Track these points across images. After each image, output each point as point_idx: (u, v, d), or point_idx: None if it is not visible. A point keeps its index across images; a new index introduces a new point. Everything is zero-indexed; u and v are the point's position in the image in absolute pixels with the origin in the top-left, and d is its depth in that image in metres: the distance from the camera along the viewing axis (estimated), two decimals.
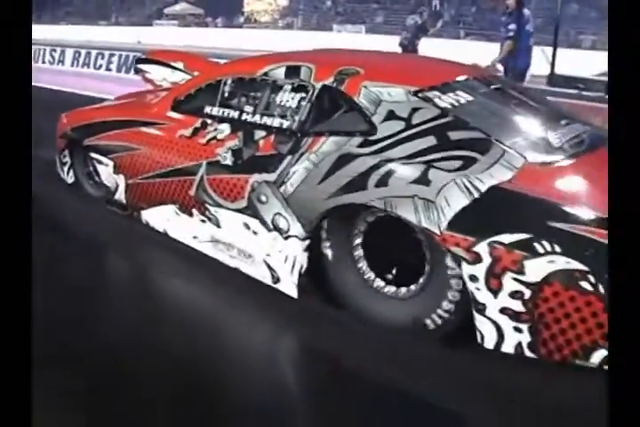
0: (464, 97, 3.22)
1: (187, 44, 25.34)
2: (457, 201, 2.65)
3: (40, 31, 34.20)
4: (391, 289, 3.09)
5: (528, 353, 2.59)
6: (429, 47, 11.72)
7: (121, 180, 4.42)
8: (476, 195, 2.64)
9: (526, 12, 7.99)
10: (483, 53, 18.11)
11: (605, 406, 1.60)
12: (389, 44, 16.48)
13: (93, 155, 4.73)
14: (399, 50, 11.58)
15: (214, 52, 12.40)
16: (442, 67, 4.00)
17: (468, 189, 2.66)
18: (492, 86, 3.63)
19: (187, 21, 38.39)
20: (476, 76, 3.66)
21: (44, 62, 16.97)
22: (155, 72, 5.28)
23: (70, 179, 5.21)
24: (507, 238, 2.51)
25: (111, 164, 4.49)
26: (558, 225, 2.48)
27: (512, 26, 7.69)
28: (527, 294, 2.49)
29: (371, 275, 3.16)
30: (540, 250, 2.45)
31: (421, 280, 2.95)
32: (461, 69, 3.79)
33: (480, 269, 2.56)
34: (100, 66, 15.12)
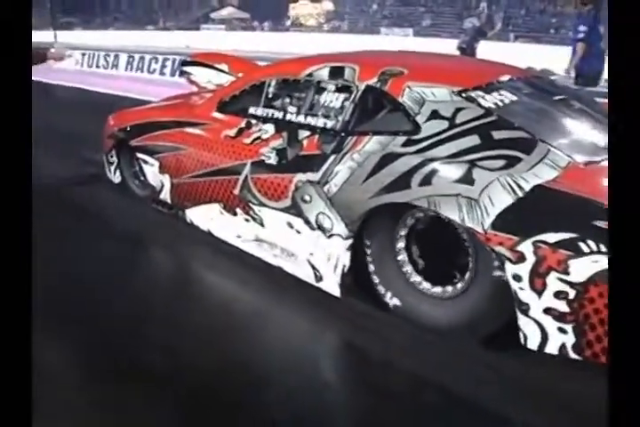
0: (508, 97, 3.20)
1: (234, 48, 25.57)
2: (501, 200, 2.63)
3: (89, 37, 34.99)
4: (435, 289, 3.08)
5: (572, 355, 2.54)
6: (480, 51, 11.64)
7: (166, 179, 4.49)
8: (520, 194, 2.61)
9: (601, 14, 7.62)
10: (533, 56, 17.93)
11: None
12: (438, 47, 16.43)
13: (140, 155, 4.82)
14: (456, 53, 11.42)
15: (263, 56, 12.51)
16: (485, 67, 3.99)
17: (512, 187, 2.63)
18: (537, 87, 3.61)
19: (233, 26, 38.73)
20: (520, 77, 3.62)
21: (98, 67, 17.23)
22: (200, 74, 5.36)
23: (117, 179, 5.32)
24: (551, 238, 2.48)
25: (157, 163, 4.57)
26: (604, 225, 2.43)
27: (582, 27, 7.32)
28: (572, 294, 2.45)
29: (413, 274, 3.15)
30: (586, 249, 2.41)
31: (465, 280, 2.93)
32: (505, 69, 3.75)
33: (524, 269, 2.53)
34: (154, 70, 15.28)
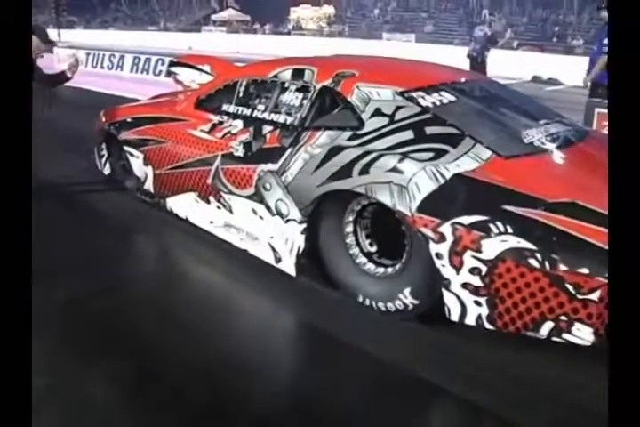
0: (447, 97, 3.57)
1: (237, 50, 25.89)
2: (425, 187, 3.00)
3: (91, 36, 35.07)
4: (377, 269, 3.44)
5: (487, 325, 2.89)
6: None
7: (149, 170, 4.87)
8: (442, 181, 2.99)
9: None
10: (538, 64, 18.06)
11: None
12: (441, 52, 16.68)
13: (127, 148, 5.19)
14: (466, 61, 11.57)
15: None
16: (434, 70, 4.35)
17: (435, 176, 3.01)
18: (482, 90, 3.98)
19: (233, 28, 39.04)
20: (467, 80, 4.00)
21: (102, 68, 17.23)
22: (184, 74, 5.74)
23: (107, 170, 5.70)
24: (466, 220, 2.83)
25: (141, 156, 4.95)
26: (511, 209, 2.79)
27: (607, 40, 6.71)
28: (484, 270, 2.80)
29: (359, 256, 3.51)
30: (495, 230, 2.76)
31: (403, 260, 3.28)
32: (455, 74, 4.13)
33: (444, 248, 2.89)
34: (160, 72, 15.01)
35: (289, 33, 36.62)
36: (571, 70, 17.47)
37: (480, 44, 11.68)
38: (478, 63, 11.56)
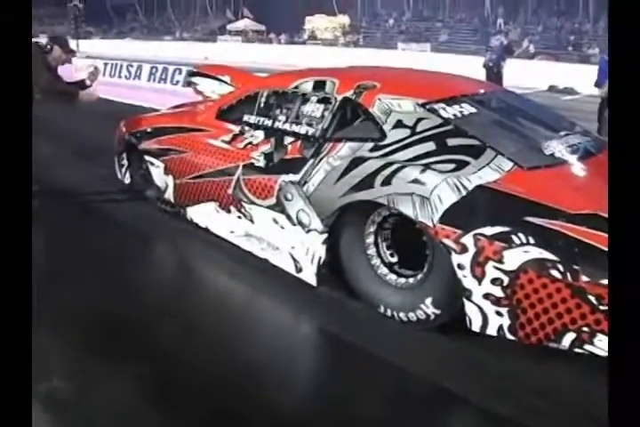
0: (468, 109, 3.60)
1: (252, 60, 26.01)
2: (447, 198, 3.02)
3: (107, 46, 35.34)
4: (398, 279, 3.46)
5: (509, 336, 2.90)
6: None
7: (170, 180, 4.92)
8: (464, 193, 3.01)
9: None
10: (553, 73, 17.94)
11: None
12: (456, 62, 16.65)
13: (147, 157, 5.25)
14: (482, 71, 11.56)
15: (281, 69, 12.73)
16: (455, 82, 4.39)
17: (457, 187, 3.03)
18: (502, 101, 4.01)
19: (249, 37, 39.27)
20: (487, 92, 4.03)
21: (120, 77, 17.18)
22: (205, 85, 5.78)
23: (127, 180, 5.76)
24: (489, 231, 2.86)
25: (162, 165, 5.00)
26: (533, 220, 2.82)
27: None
28: (506, 280, 2.82)
29: (381, 266, 3.53)
30: (517, 241, 2.78)
31: (424, 270, 3.29)
32: (475, 85, 4.16)
33: (466, 259, 2.91)
34: (178, 81, 15.01)
35: (304, 43, 36.75)
36: (587, 79, 17.46)
37: (497, 54, 11.70)
38: (494, 73, 11.57)
